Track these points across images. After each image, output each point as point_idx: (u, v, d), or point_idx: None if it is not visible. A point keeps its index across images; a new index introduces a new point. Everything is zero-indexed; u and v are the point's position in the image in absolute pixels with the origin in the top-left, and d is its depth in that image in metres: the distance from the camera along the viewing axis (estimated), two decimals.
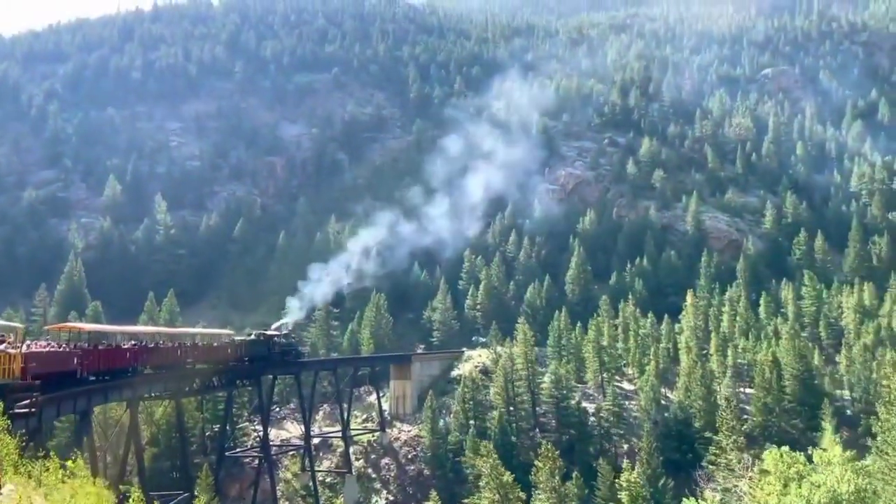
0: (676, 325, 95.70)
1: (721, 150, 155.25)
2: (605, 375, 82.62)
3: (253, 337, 61.97)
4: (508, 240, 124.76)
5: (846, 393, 79.27)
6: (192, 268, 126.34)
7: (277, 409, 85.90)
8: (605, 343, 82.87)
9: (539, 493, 56.17)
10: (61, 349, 33.18)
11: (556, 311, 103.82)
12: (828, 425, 63.38)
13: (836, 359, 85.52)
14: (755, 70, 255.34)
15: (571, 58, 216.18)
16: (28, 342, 32.37)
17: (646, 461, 62.57)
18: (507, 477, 47.55)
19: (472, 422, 72.72)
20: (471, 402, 73.52)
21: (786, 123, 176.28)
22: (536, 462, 56.89)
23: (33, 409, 25.87)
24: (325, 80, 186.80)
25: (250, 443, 78.91)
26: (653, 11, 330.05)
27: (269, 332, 64.66)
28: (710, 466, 62.71)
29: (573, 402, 75.80)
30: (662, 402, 74.97)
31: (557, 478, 55.50)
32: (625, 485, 57.98)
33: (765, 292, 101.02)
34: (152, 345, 42.25)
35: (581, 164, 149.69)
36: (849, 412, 74.59)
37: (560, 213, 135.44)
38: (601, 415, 74.23)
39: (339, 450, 77.62)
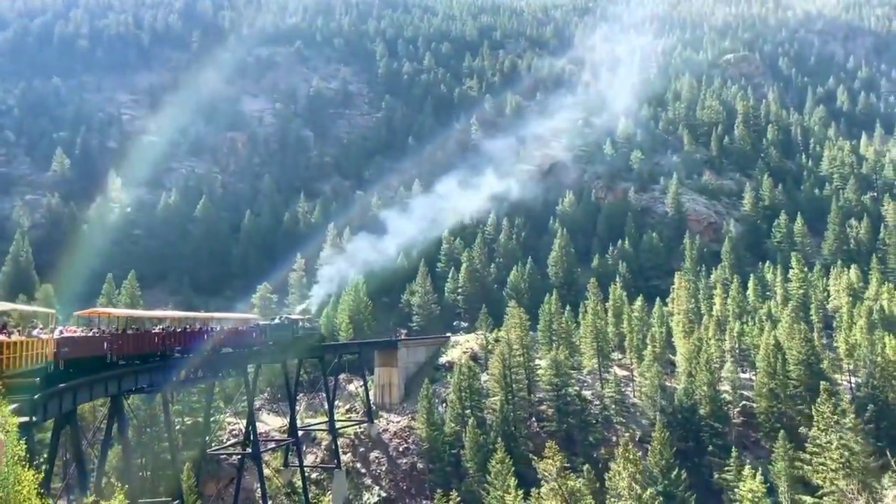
0: (664, 309, 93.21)
1: (694, 133, 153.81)
2: (601, 361, 79.19)
3: (277, 321, 61.10)
4: (487, 221, 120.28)
5: (843, 378, 77.91)
6: (150, 249, 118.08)
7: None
8: (602, 327, 79.33)
9: (546, 495, 51.73)
10: (91, 334, 33.22)
11: (542, 295, 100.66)
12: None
13: (831, 342, 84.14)
14: (717, 55, 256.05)
15: (539, 37, 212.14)
16: (60, 328, 32.20)
17: (659, 451, 59.30)
18: (575, 482, 42.84)
19: (468, 412, 68.32)
20: (467, 391, 69.04)
21: (754, 107, 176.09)
22: (540, 463, 52.73)
23: None
24: (288, 54, 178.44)
25: (225, 436, 73.01)
26: None
27: (293, 316, 64.31)
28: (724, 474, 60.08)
29: (572, 389, 72.15)
30: (665, 388, 71.92)
31: (566, 481, 51.14)
32: (639, 478, 54.51)
33: (753, 275, 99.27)
34: (180, 329, 41.82)
35: (557, 145, 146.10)
36: (849, 397, 72.78)
37: (538, 195, 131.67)
38: (604, 402, 70.79)
39: (325, 443, 72.31)
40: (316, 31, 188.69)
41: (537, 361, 78.34)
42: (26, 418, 22.89)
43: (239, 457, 59.94)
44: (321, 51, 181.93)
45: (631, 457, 48.33)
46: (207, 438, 60.65)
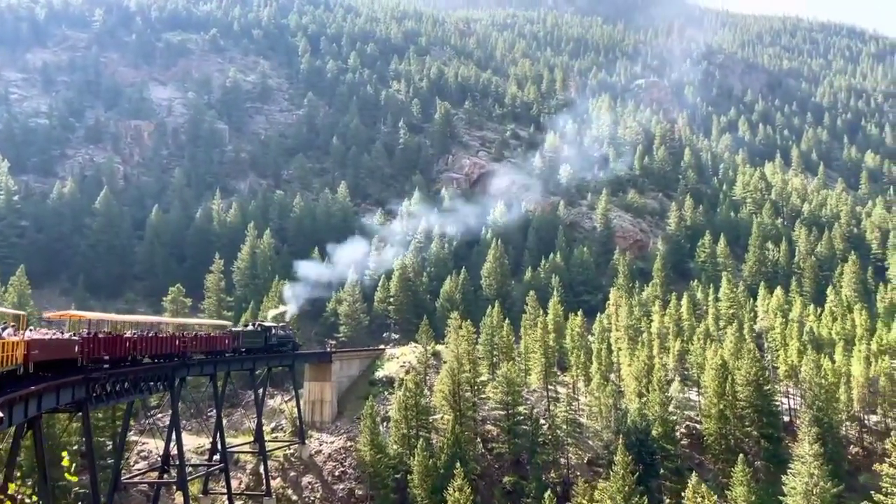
0: (597, 325, 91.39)
1: (618, 151, 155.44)
2: (547, 378, 75.67)
3: (251, 328, 60.47)
4: (417, 228, 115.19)
5: (783, 399, 78.10)
6: (39, 243, 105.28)
7: (156, 416, 70.69)
8: (550, 342, 75.86)
9: None
10: (63, 336, 33.02)
11: (475, 307, 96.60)
12: None
13: (765, 363, 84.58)
14: (629, 80, 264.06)
15: (463, 47, 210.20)
16: (32, 329, 32.48)
17: (621, 476, 55.98)
18: None
19: (416, 432, 62.73)
20: (413, 410, 63.41)
21: (669, 130, 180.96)
22: None
23: None
24: (201, 42, 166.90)
25: (133, 459, 63.92)
26: (531, 14, 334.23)
27: (266, 324, 63.46)
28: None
29: (522, 408, 68.10)
30: (617, 408, 69.15)
31: None
32: None
33: (686, 294, 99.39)
34: (152, 334, 41.60)
35: (485, 155, 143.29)
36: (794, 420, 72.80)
37: (467, 204, 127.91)
38: (555, 422, 67.09)
39: (249, 466, 64.68)
40: (233, 20, 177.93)
41: (481, 378, 73.89)
42: None
43: (155, 484, 51.78)
44: (238, 41, 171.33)
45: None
46: (123, 462, 51.89)
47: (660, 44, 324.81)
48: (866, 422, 74.71)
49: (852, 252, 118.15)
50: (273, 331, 62.41)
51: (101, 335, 35.24)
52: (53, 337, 31.83)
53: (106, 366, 34.42)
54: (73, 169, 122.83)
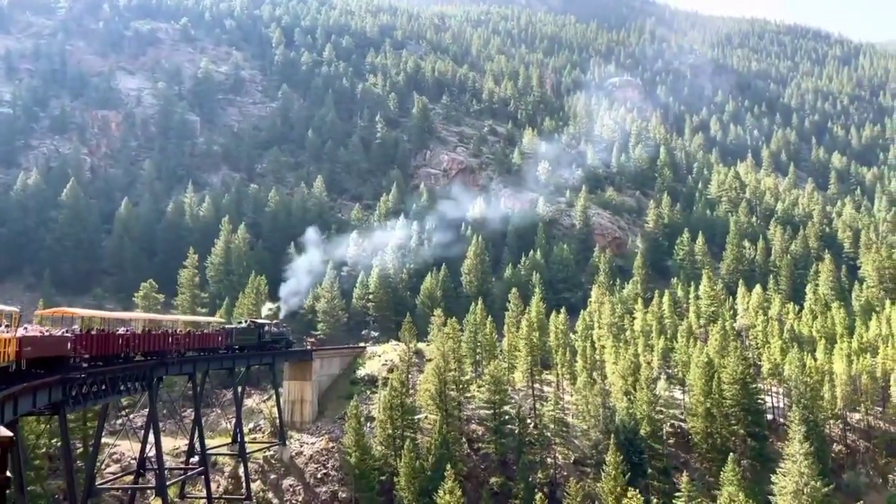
0: (580, 322, 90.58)
1: (595, 149, 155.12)
2: (532, 377, 74.47)
3: (243, 325, 59.93)
4: (396, 224, 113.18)
5: (768, 397, 78.02)
6: (2, 237, 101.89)
7: (128, 416, 67.73)
8: (535, 340, 74.64)
9: None
10: (56, 334, 32.70)
11: (456, 304, 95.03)
12: None
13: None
14: (603, 78, 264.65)
15: (439, 42, 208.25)
16: (26, 326, 32.37)
17: (613, 477, 55.04)
18: None
19: (402, 432, 60.96)
20: (398, 409, 61.63)
21: (645, 129, 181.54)
22: None
23: None
24: (172, 31, 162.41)
25: (105, 461, 61.05)
26: (505, 11, 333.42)
27: (259, 321, 63.29)
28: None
29: (510, 407, 66.76)
30: (606, 407, 68.19)
31: None
32: None
33: (667, 291, 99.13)
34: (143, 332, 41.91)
35: (463, 151, 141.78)
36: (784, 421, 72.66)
37: (444, 199, 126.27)
38: (543, 422, 65.91)
39: (228, 468, 62.26)
40: (205, 9, 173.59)
41: (465, 377, 72.34)
42: None
43: (131, 490, 49.28)
44: (210, 31, 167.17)
45: None
46: (97, 466, 49.31)
47: (632, 43, 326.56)
48: (848, 420, 75.01)
49: (826, 251, 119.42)
50: (266, 328, 62.14)
51: (93, 332, 34.76)
52: (46, 334, 31.39)
53: (85, 364, 33.03)
54: (38, 160, 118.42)
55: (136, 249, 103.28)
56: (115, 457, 61.53)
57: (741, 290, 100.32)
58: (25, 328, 30.76)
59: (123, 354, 37.31)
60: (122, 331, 38.25)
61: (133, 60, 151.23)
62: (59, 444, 57.61)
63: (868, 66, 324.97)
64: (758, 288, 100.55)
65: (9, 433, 12.06)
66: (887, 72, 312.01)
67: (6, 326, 27.29)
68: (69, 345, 31.88)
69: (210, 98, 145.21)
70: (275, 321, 68.63)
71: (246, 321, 63.00)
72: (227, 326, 56.50)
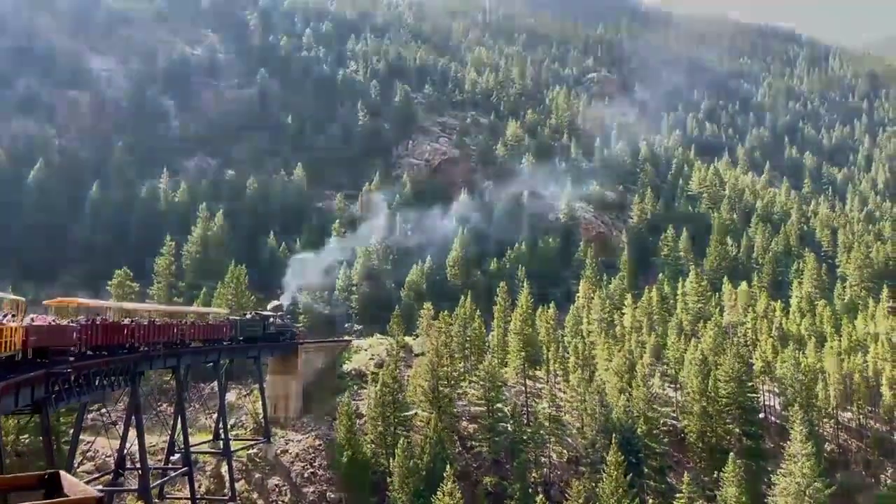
0: (569, 318, 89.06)
1: (579, 142, 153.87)
2: (525, 373, 72.62)
3: (249, 316, 60.67)
4: (379, 214, 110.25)
5: (762, 396, 77.27)
6: None
7: (102, 412, 64.11)
8: (528, 334, 72.72)
9: None
10: (62, 323, 32.22)
11: (441, 297, 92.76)
12: None
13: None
14: (581, 73, 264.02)
15: (420, 31, 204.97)
16: (32, 315, 31.60)
17: (614, 478, 53.39)
18: None
19: (394, 430, 58.56)
20: (391, 406, 59.18)
21: (629, 124, 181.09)
22: None
23: None
24: (145, 11, 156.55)
25: (78, 459, 57.42)
26: (482, 2, 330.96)
27: (265, 312, 63.80)
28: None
29: (504, 404, 64.75)
30: (602, 405, 66.54)
31: None
32: None
33: (655, 287, 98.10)
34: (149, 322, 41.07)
35: (446, 141, 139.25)
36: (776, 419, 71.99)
37: (427, 190, 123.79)
38: (538, 420, 64.07)
39: (209, 467, 59.17)
40: None
41: (457, 373, 70.21)
42: None
43: (110, 491, 46.06)
44: (185, 12, 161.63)
45: None
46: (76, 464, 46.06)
47: (608, 40, 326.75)
48: (839, 419, 74.70)
49: (806, 249, 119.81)
50: (271, 319, 62.02)
51: (98, 322, 34.37)
52: (52, 324, 31.19)
53: (71, 357, 30.63)
54: (3, 140, 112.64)
55: (108, 236, 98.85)
56: (88, 454, 58.06)
57: (727, 286, 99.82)
58: (32, 318, 30.08)
59: (129, 344, 36.65)
60: (126, 321, 37.14)
61: (103, 40, 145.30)
62: (27, 440, 54.36)
63: (838, 67, 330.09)
64: (744, 285, 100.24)
65: None
66: (856, 74, 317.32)
67: (12, 315, 26.61)
68: (75, 335, 31.36)
69: (185, 81, 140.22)
70: (279, 313, 67.58)
71: (251, 313, 63.49)
72: (231, 318, 56.56)
